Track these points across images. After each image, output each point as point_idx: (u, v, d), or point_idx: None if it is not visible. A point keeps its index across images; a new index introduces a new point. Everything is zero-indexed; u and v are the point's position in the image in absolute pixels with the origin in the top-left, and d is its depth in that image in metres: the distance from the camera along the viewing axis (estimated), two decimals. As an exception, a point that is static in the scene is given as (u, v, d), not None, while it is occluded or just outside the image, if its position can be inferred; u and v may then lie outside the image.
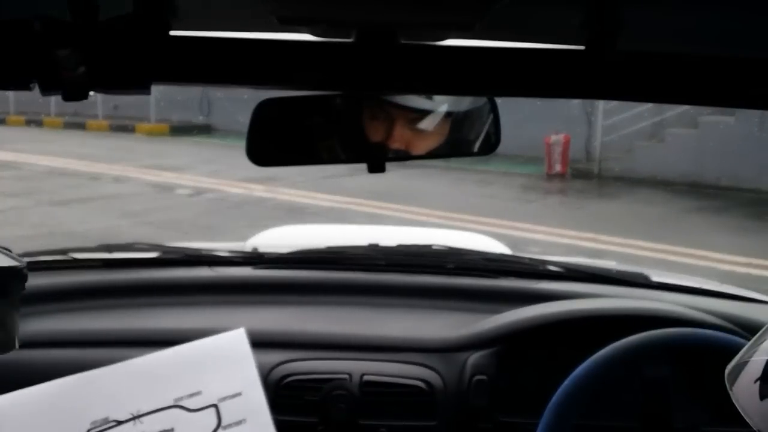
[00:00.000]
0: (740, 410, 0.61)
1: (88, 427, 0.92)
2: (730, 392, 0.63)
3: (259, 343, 1.42)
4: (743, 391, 0.62)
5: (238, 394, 0.98)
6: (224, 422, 0.96)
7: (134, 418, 0.94)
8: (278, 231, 2.63)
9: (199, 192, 9.03)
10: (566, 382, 1.21)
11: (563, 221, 7.35)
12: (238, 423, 0.96)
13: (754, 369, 0.62)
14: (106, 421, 0.92)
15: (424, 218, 7.32)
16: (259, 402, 0.99)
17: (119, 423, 0.93)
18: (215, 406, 0.96)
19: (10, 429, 0.91)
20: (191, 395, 0.96)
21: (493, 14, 0.62)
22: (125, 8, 0.62)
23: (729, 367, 0.64)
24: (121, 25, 0.62)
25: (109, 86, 0.64)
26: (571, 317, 1.44)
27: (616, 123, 10.41)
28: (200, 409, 0.96)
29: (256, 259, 1.75)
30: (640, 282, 1.68)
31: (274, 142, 1.01)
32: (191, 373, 0.98)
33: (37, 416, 0.92)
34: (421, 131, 1.02)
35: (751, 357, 0.64)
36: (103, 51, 0.62)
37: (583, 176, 10.39)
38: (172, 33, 0.65)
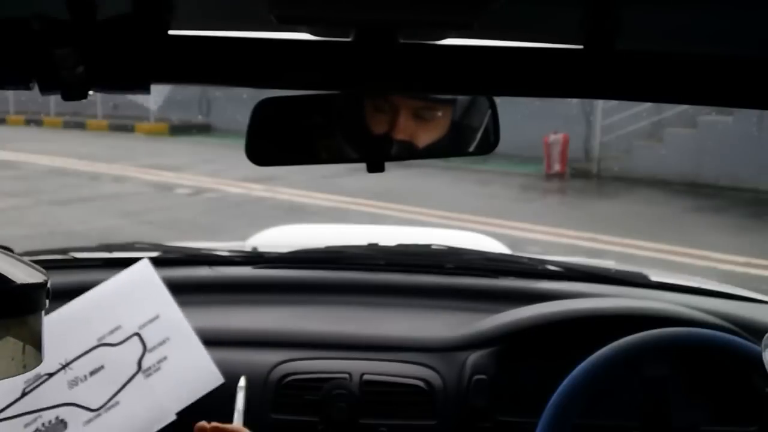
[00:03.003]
0: None
1: (23, 386, 0.94)
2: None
3: (259, 342, 1.43)
4: None
5: (156, 318, 1.02)
6: (149, 346, 1.00)
7: (63, 366, 0.96)
8: (278, 231, 2.63)
9: (198, 191, 9.03)
10: (565, 381, 1.21)
11: (562, 221, 7.36)
12: (162, 342, 1.00)
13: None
14: (37, 377, 0.94)
15: (423, 218, 7.32)
16: (177, 319, 1.03)
17: (51, 375, 0.95)
18: (137, 334, 1.00)
19: None
20: (112, 331, 0.99)
21: (492, 13, 0.62)
22: (124, 7, 0.62)
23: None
24: (120, 25, 0.62)
25: (108, 85, 0.64)
26: (570, 317, 1.44)
27: (615, 122, 10.42)
28: (123, 341, 0.99)
29: (255, 258, 1.75)
30: (640, 282, 1.68)
31: (273, 142, 1.01)
32: (107, 311, 1.02)
33: None
34: (425, 121, 1.02)
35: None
36: (101, 50, 0.62)
37: (582, 176, 10.39)
38: (171, 32, 0.65)
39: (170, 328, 1.03)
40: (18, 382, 0.94)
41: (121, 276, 1.07)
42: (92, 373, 0.97)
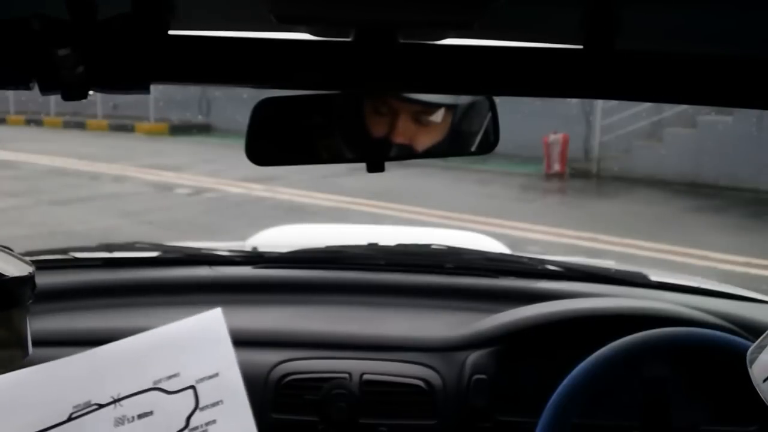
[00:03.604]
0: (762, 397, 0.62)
1: (71, 410, 0.92)
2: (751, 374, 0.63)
3: (259, 342, 1.43)
4: (758, 386, 0.63)
5: (215, 375, 0.98)
6: (202, 404, 0.96)
7: (115, 401, 0.94)
8: (278, 230, 2.63)
9: (198, 191, 9.03)
10: (565, 381, 1.21)
11: (562, 221, 7.36)
12: (215, 404, 0.97)
13: (762, 366, 0.63)
14: (88, 404, 0.92)
15: (423, 218, 7.32)
16: (235, 382, 0.99)
17: (100, 406, 0.93)
18: (193, 387, 0.97)
19: None
20: (170, 377, 0.96)
21: (492, 13, 0.62)
22: (123, 7, 0.62)
23: (748, 359, 0.65)
24: (120, 25, 0.62)
25: (108, 85, 0.64)
26: (570, 317, 1.44)
27: (615, 122, 10.43)
28: (178, 390, 0.96)
29: (255, 258, 1.75)
30: (639, 281, 1.68)
31: (273, 142, 1.01)
32: (169, 355, 0.99)
33: (19, 400, 0.92)
34: (425, 125, 1.02)
35: (759, 353, 0.64)
36: (101, 50, 0.62)
37: (581, 176, 10.40)
38: (171, 32, 0.65)
39: (227, 390, 0.99)
40: (67, 406, 0.92)
41: (190, 321, 1.03)
42: (140, 416, 0.94)
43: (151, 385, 0.95)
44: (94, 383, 0.95)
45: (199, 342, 1.01)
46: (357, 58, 0.67)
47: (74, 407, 0.92)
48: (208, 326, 1.03)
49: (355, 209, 7.81)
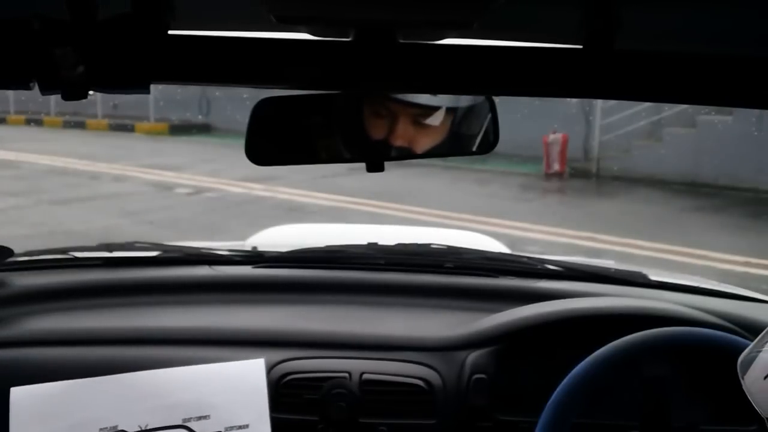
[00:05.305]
0: (752, 401, 0.62)
1: None
2: (742, 382, 0.63)
3: (259, 341, 1.43)
4: (753, 383, 0.63)
5: (245, 427, 0.97)
6: None
7: (142, 431, 0.94)
8: (278, 230, 2.64)
9: (198, 191, 9.03)
10: (565, 380, 1.21)
11: (561, 220, 7.36)
12: None
13: (762, 364, 0.63)
14: (114, 429, 0.93)
15: (423, 217, 7.32)
16: None
17: None
18: None
19: (22, 420, 0.91)
20: (199, 418, 0.96)
21: (492, 13, 0.62)
22: (124, 7, 0.62)
23: (740, 359, 0.65)
24: (120, 24, 0.62)
25: (108, 85, 0.64)
26: (569, 316, 1.44)
27: (614, 122, 10.42)
28: None
29: (255, 258, 1.75)
30: (639, 281, 1.68)
31: (272, 141, 1.01)
32: (203, 396, 0.98)
33: (50, 412, 0.92)
34: (424, 127, 1.02)
35: (759, 352, 0.64)
36: (101, 50, 0.62)
37: (581, 175, 10.39)
38: (171, 32, 0.65)
39: None
40: (93, 427, 0.92)
41: (232, 366, 1.03)
42: None
43: (180, 422, 0.95)
44: (125, 409, 0.94)
45: (236, 389, 0.99)
46: (356, 58, 0.67)
47: (101, 430, 0.92)
48: (248, 375, 1.01)
49: (354, 209, 7.81)
